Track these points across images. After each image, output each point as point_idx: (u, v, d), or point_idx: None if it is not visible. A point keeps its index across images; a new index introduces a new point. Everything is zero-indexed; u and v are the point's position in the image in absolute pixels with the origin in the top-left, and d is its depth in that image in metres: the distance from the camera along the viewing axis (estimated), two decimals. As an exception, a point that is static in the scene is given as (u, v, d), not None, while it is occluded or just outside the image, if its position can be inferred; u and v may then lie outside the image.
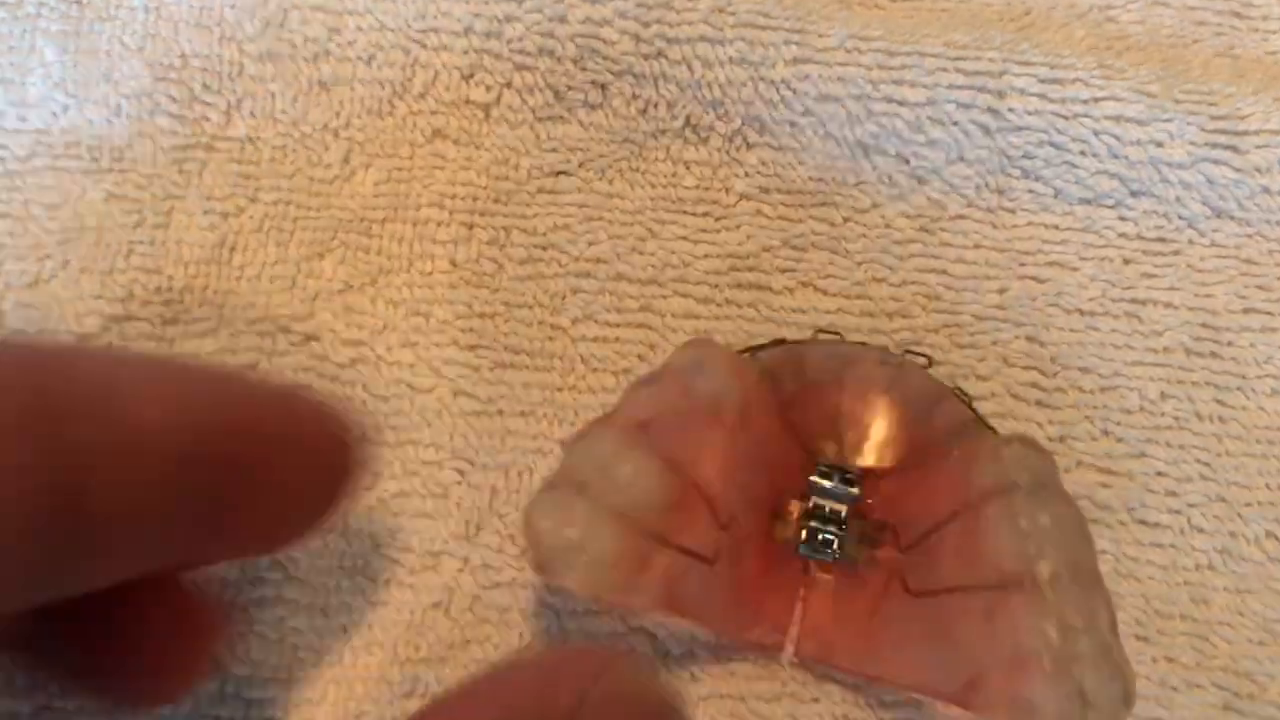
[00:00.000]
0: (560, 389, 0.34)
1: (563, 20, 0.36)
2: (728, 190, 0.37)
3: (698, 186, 0.37)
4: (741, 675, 0.31)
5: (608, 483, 0.28)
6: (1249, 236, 0.37)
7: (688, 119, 0.37)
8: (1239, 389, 0.35)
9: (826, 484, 0.31)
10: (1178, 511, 0.33)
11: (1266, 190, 0.37)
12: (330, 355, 0.34)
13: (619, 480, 0.28)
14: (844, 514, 0.31)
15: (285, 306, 0.34)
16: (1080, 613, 0.28)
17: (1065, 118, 0.37)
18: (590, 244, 0.36)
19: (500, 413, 0.34)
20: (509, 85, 0.37)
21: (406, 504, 0.32)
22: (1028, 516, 0.29)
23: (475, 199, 0.36)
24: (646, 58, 0.36)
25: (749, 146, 0.37)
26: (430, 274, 0.35)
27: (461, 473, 0.33)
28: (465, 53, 0.37)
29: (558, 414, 0.34)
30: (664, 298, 0.35)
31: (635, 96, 0.37)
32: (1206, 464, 0.34)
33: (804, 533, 0.31)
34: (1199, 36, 0.41)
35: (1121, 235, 0.37)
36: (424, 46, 0.37)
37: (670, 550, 0.29)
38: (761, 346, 0.34)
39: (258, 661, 0.30)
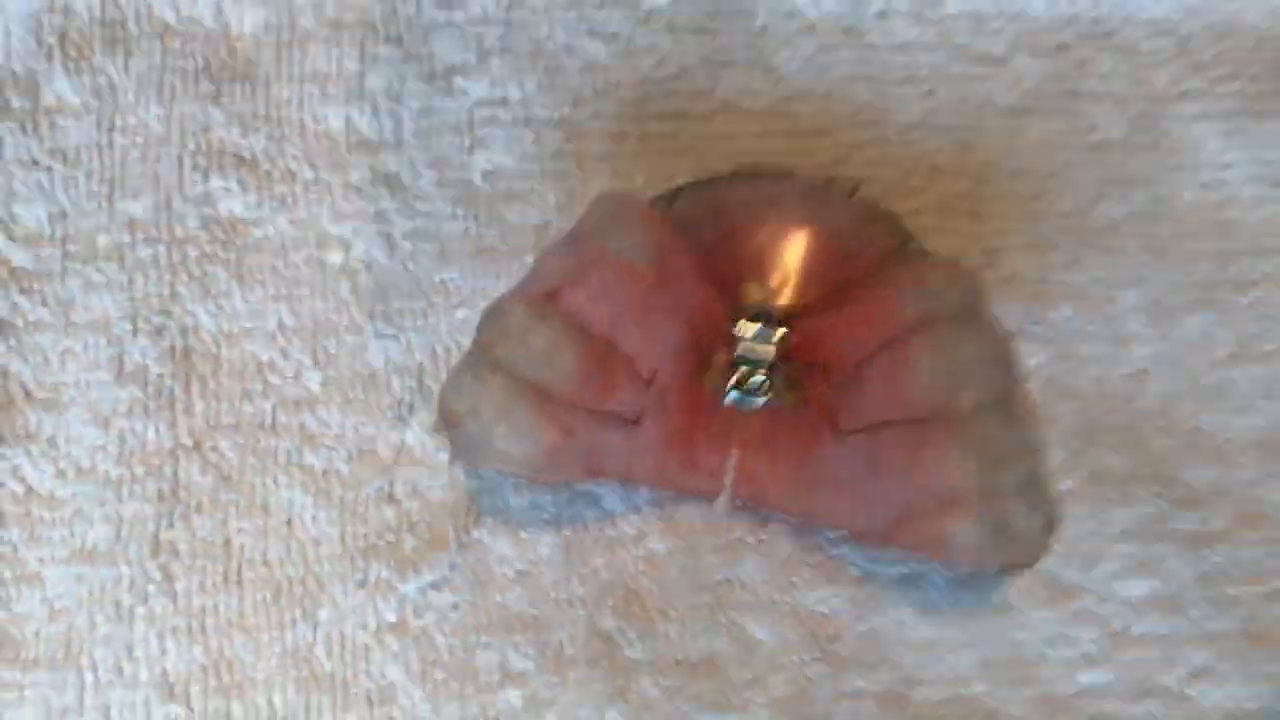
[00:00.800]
0: (480, 250, 0.33)
1: None
2: (637, 5, 0.34)
3: (603, 5, 0.34)
4: (686, 523, 0.32)
5: (521, 357, 0.28)
6: (1189, 11, 0.35)
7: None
8: (1174, 180, 0.34)
9: (751, 329, 0.31)
10: (1113, 318, 0.33)
11: (1209, -43, 0.34)
12: (232, 238, 0.32)
13: (533, 353, 0.28)
14: (771, 357, 0.31)
15: (177, 188, 0.32)
16: (1003, 444, 0.28)
17: (993, -106, 0.34)
18: (493, 82, 0.34)
19: (418, 282, 0.32)
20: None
21: (334, 390, 0.32)
22: (951, 348, 0.28)
23: (364, 41, 0.34)
24: None
25: (655, -44, 0.34)
26: (326, 134, 0.33)
27: (386, 350, 0.32)
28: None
29: (478, 277, 0.33)
30: (578, 137, 0.34)
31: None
32: (1142, 265, 0.33)
33: (732, 380, 0.31)
34: None
35: (1055, 19, 0.35)
36: None
37: (592, 417, 0.28)
38: (678, 191, 0.32)
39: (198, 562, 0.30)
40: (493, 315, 0.28)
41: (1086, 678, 0.31)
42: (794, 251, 0.32)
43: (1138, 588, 0.31)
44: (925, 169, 0.34)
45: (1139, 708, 0.31)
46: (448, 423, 0.28)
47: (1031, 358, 0.33)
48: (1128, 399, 0.33)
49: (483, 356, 0.28)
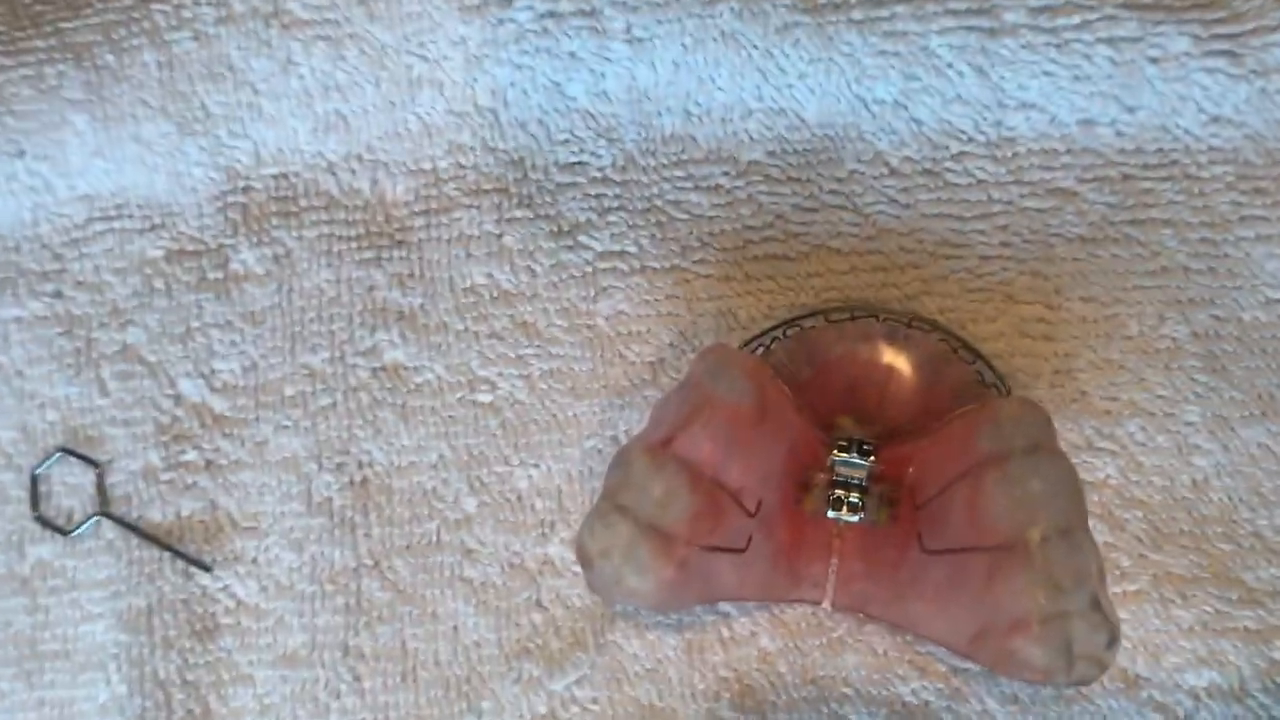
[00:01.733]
0: (604, 385, 0.38)
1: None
2: (736, 160, 0.39)
3: (706, 159, 0.39)
4: (792, 623, 0.36)
5: (642, 502, 0.33)
6: (1247, 138, 0.38)
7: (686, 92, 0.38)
8: (1234, 302, 0.37)
9: (845, 456, 0.35)
10: (1175, 432, 0.37)
11: (1264, 91, 0.37)
12: (397, 384, 0.38)
13: (652, 499, 0.33)
14: (864, 480, 0.35)
15: (349, 341, 0.38)
16: (1068, 572, 0.32)
17: (1058, 46, 0.37)
18: (613, 236, 0.38)
19: (554, 416, 0.37)
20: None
21: (487, 511, 0.37)
22: (1021, 483, 0.32)
23: (500, 205, 0.39)
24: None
25: (750, 114, 0.38)
26: (471, 289, 0.38)
27: (530, 476, 0.37)
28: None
29: (605, 410, 0.37)
30: (687, 281, 0.38)
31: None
32: (1203, 383, 0.37)
33: (830, 500, 0.35)
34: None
35: (1120, 151, 0.38)
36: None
37: (704, 551, 0.33)
38: (774, 336, 0.36)
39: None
40: (618, 464, 0.33)
41: (1155, 758, 0.35)
42: (880, 385, 0.36)
43: (1200, 679, 0.35)
44: (1001, 296, 0.38)
45: (1204, 784, 0.35)
46: (583, 563, 0.33)
47: (1101, 470, 0.36)
48: (1190, 506, 0.36)
49: (611, 502, 0.33)
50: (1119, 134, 0.38)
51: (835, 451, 0.35)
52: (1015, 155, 0.38)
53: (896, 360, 0.36)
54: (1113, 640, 0.32)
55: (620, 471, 0.33)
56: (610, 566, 0.33)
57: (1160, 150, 0.38)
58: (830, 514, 0.35)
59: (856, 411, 0.36)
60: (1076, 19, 0.37)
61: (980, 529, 0.33)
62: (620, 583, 0.33)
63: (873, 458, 0.35)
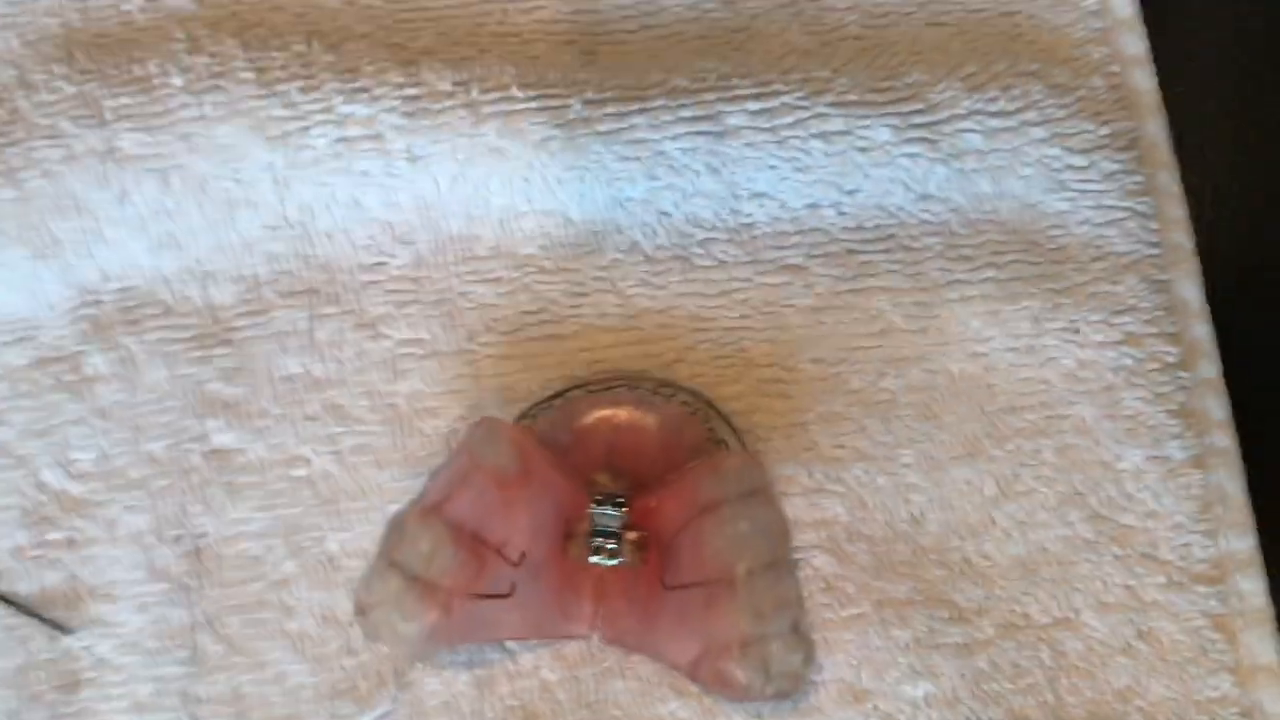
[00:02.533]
0: (404, 457, 0.43)
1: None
2: (514, 254, 0.45)
3: (489, 255, 0.45)
4: (570, 656, 0.42)
5: (411, 557, 0.38)
6: (953, 211, 0.43)
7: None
8: (943, 356, 0.42)
9: (601, 510, 0.40)
10: (894, 473, 0.42)
11: (961, 171, 0.43)
12: (225, 464, 0.44)
13: (419, 553, 0.38)
14: (619, 528, 0.40)
15: (184, 429, 0.44)
16: (770, 601, 0.37)
17: (778, 143, 0.43)
18: (409, 324, 0.44)
19: (361, 486, 0.43)
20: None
21: (304, 572, 0.43)
22: (732, 524, 0.38)
23: (312, 304, 0.45)
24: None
25: (524, 215, 0.44)
26: (288, 378, 0.44)
27: (341, 541, 0.43)
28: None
29: (405, 478, 0.43)
30: (474, 362, 0.44)
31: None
32: (917, 429, 0.42)
33: (591, 547, 0.40)
34: (909, 9, 0.45)
35: (844, 229, 0.44)
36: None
37: (470, 599, 0.39)
38: (538, 406, 0.42)
39: None
40: (393, 526, 0.39)
41: (885, 760, 0.40)
42: (630, 445, 0.42)
43: (918, 689, 0.40)
44: (742, 362, 0.43)
45: (930, 782, 0.40)
46: (359, 613, 0.38)
47: (830, 509, 0.42)
48: (908, 538, 0.41)
49: (385, 560, 0.38)
50: (841, 214, 0.44)
51: (593, 505, 0.41)
52: (753, 238, 0.44)
53: (643, 422, 0.41)
54: (807, 658, 0.38)
55: (394, 532, 0.39)
56: (382, 614, 0.38)
57: (878, 226, 0.44)
58: (592, 559, 0.40)
59: (612, 468, 0.42)
60: (790, 118, 0.43)
61: (701, 566, 0.38)
62: (391, 627, 0.38)
63: (625, 508, 0.40)
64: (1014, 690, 0.40)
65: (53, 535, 0.44)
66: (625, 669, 0.41)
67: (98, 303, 0.45)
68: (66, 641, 0.43)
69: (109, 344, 0.45)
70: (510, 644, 0.42)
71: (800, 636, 0.37)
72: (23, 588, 0.43)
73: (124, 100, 0.44)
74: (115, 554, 0.43)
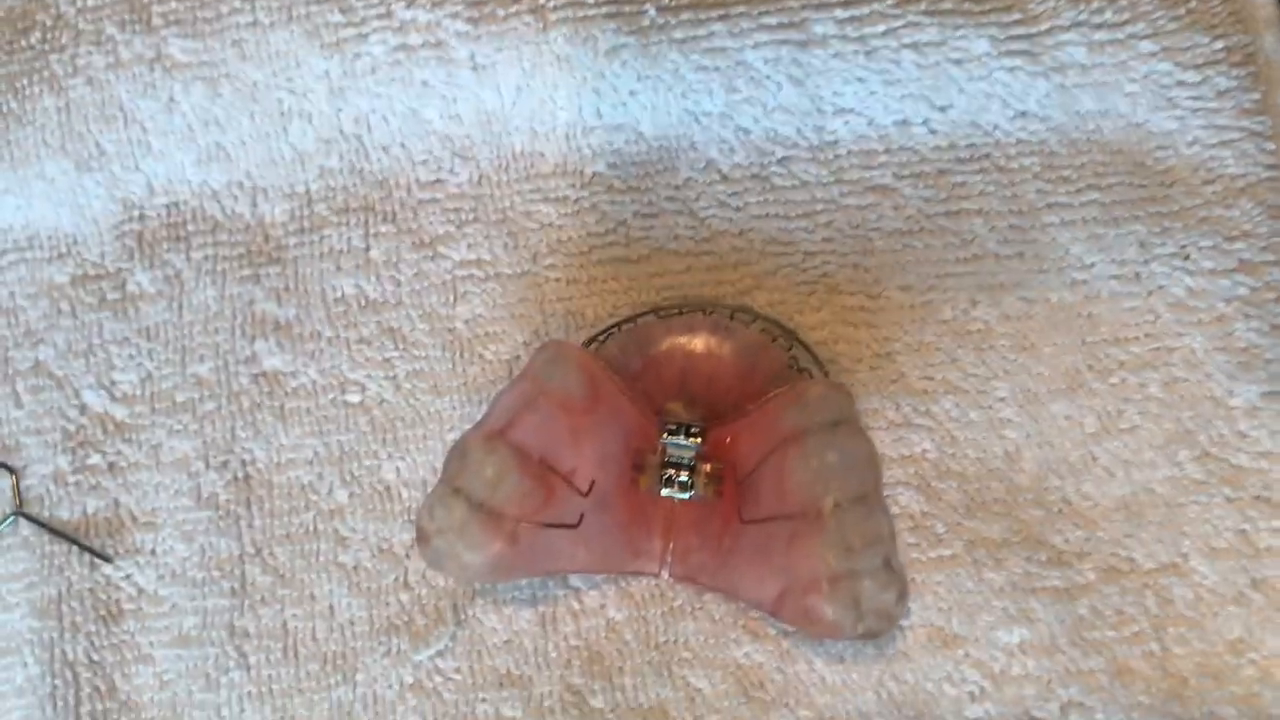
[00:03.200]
0: (464, 383, 0.41)
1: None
2: (581, 172, 0.42)
3: (554, 173, 0.42)
4: (638, 594, 0.39)
5: (476, 484, 0.36)
6: (1051, 130, 0.40)
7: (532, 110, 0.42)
8: (1041, 284, 0.40)
9: (675, 439, 0.38)
10: (988, 407, 0.39)
11: (1062, 86, 0.40)
12: (275, 388, 0.41)
13: (484, 480, 0.36)
14: (692, 460, 0.38)
15: (231, 352, 0.42)
16: (860, 535, 0.35)
17: (867, 53, 0.40)
18: (469, 246, 0.42)
19: (418, 414, 0.41)
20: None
21: (359, 502, 0.41)
22: (818, 455, 0.35)
23: (367, 221, 0.42)
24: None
25: (592, 129, 0.42)
26: (341, 299, 0.42)
27: (397, 469, 0.41)
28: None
29: (464, 405, 0.41)
30: (538, 285, 0.41)
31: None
32: (1013, 360, 0.39)
33: (662, 479, 0.38)
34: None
35: (935, 149, 0.41)
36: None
37: (536, 529, 0.36)
38: (609, 331, 0.40)
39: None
40: (455, 452, 0.37)
41: (974, 711, 0.37)
42: (704, 373, 0.39)
43: (1012, 635, 0.38)
44: (824, 288, 0.40)
45: (1023, 735, 0.37)
46: (421, 541, 0.36)
47: (918, 444, 0.39)
48: (1002, 476, 0.39)
49: (448, 486, 0.36)
50: (932, 132, 0.41)
51: (665, 435, 0.38)
52: (836, 157, 0.41)
53: (719, 349, 0.39)
54: (901, 596, 0.35)
55: (457, 457, 0.37)
56: (445, 543, 0.36)
57: (971, 145, 0.41)
58: (663, 492, 0.38)
59: (685, 397, 0.39)
60: (881, 27, 0.40)
61: (784, 499, 0.36)
62: (454, 557, 0.36)
63: (699, 439, 0.38)
64: (1117, 639, 0.37)
65: (94, 460, 0.41)
66: (696, 609, 0.39)
67: (143, 218, 0.43)
68: (107, 570, 0.41)
69: (154, 261, 0.43)
70: (575, 581, 0.39)
71: (893, 573, 0.35)
72: (63, 514, 0.41)
73: (173, 4, 0.42)
74: (159, 480, 0.41)
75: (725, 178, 0.41)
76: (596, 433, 0.37)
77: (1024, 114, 0.40)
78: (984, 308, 0.40)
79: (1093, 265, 0.40)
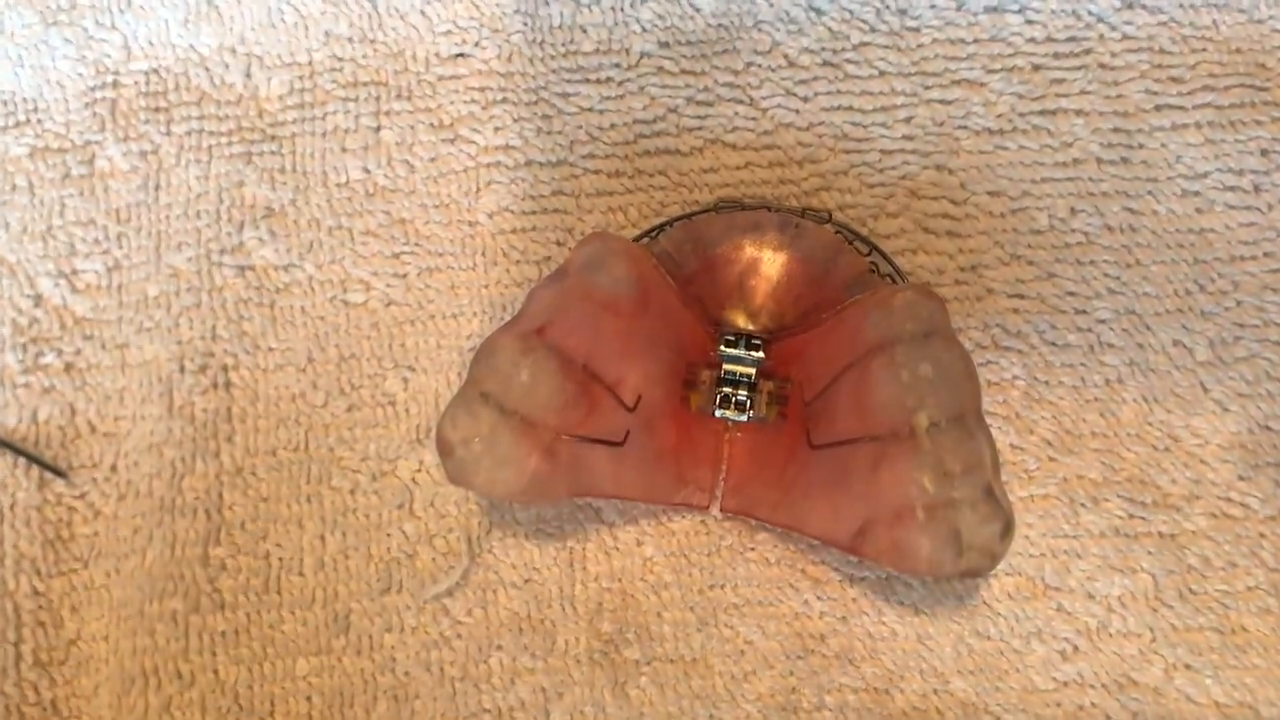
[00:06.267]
0: (486, 286, 0.36)
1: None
2: (627, 51, 0.37)
3: (597, 51, 0.37)
4: (680, 532, 0.34)
5: (508, 389, 0.30)
6: (1162, 24, 0.36)
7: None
8: (1149, 194, 0.35)
9: (733, 351, 0.33)
10: (1087, 330, 0.34)
11: (1179, -27, 0.35)
12: (265, 283, 0.36)
13: (518, 386, 0.30)
14: (753, 376, 0.33)
15: (215, 240, 0.36)
16: (958, 459, 0.30)
17: (961, -74, 0.35)
18: (496, 129, 0.36)
19: (432, 317, 0.35)
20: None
21: (358, 416, 0.35)
22: (909, 368, 0.30)
23: (379, 98, 0.37)
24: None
25: (643, 2, 0.37)
26: (345, 184, 0.36)
27: (405, 380, 0.35)
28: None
29: (486, 311, 0.35)
30: (575, 177, 0.36)
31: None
32: (1115, 277, 0.35)
33: (717, 398, 0.33)
34: None
35: (1030, 40, 0.36)
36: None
37: (575, 442, 0.31)
38: (662, 226, 0.34)
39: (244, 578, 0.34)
40: (484, 352, 0.31)
41: (1064, 672, 0.33)
42: (770, 277, 0.34)
43: (1112, 586, 0.33)
44: (904, 192, 0.36)
45: (1119, 700, 0.32)
46: (443, 453, 0.31)
47: (1008, 370, 0.34)
48: (1102, 408, 0.34)
49: (474, 390, 0.31)
50: (1028, 21, 0.36)
51: (723, 347, 0.33)
52: (919, 46, 0.36)
53: (787, 251, 0.34)
54: (1007, 530, 0.30)
55: (485, 358, 0.31)
56: (470, 455, 0.30)
57: (1072, 38, 0.36)
58: (718, 413, 0.33)
59: (746, 305, 0.34)
60: (979, -103, 0.35)
61: (867, 418, 0.31)
62: (481, 472, 0.31)
63: (761, 353, 0.33)
64: (1228, 593, 0.33)
65: (48, 359, 0.36)
66: (749, 549, 0.34)
67: (117, 84, 0.37)
68: (59, 486, 0.35)
69: (129, 134, 0.37)
70: (609, 514, 0.34)
71: (997, 504, 0.30)
72: (8, 420, 0.35)
73: None
74: (125, 384, 0.35)
75: (792, 63, 0.36)
76: (645, 339, 0.32)
77: (1131, 5, 0.36)
78: (1084, 218, 0.35)
79: (1206, 175, 0.35)
